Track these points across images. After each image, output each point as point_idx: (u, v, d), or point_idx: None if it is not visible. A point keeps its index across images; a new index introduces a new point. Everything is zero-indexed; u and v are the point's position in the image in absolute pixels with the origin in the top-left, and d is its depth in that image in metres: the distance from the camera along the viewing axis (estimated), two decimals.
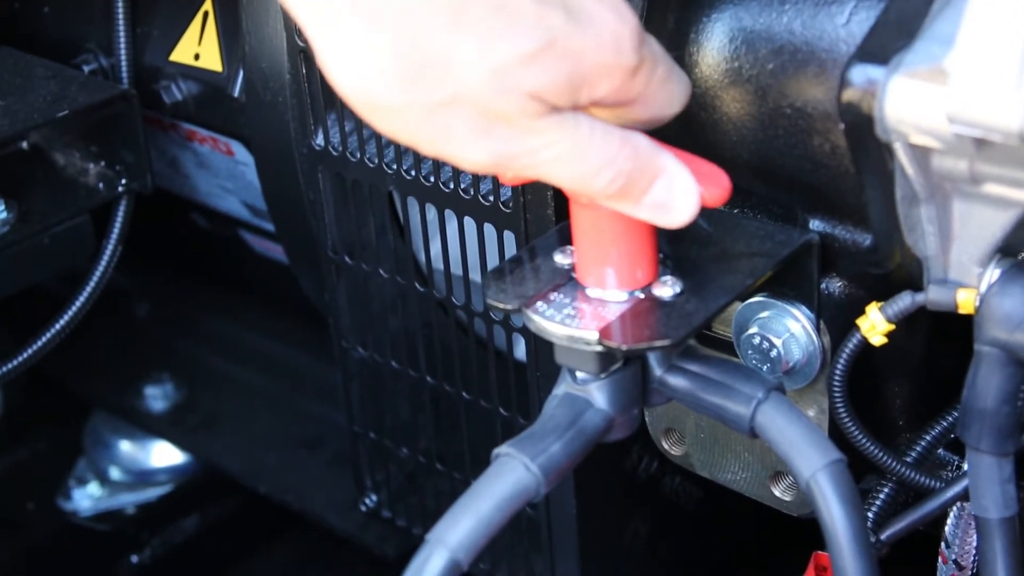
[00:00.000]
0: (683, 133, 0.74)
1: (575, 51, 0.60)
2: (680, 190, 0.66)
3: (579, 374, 0.72)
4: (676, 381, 0.74)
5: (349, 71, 0.60)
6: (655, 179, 0.65)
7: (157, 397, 1.43)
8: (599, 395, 0.72)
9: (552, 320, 0.71)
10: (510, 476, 0.68)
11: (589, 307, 0.71)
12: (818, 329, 0.79)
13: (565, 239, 0.75)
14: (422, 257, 0.99)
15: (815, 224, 0.76)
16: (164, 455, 1.46)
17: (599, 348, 0.70)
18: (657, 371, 0.74)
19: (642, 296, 0.71)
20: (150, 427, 1.44)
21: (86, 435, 1.48)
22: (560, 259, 0.74)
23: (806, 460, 0.69)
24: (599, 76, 0.61)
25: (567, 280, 0.73)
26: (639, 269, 0.71)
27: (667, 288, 0.72)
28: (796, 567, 0.86)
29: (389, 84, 0.59)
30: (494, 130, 0.61)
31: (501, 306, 0.73)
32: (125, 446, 1.46)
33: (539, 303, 0.72)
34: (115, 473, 1.46)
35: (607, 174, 0.63)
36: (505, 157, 0.62)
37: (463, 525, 0.67)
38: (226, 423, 1.41)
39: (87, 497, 1.44)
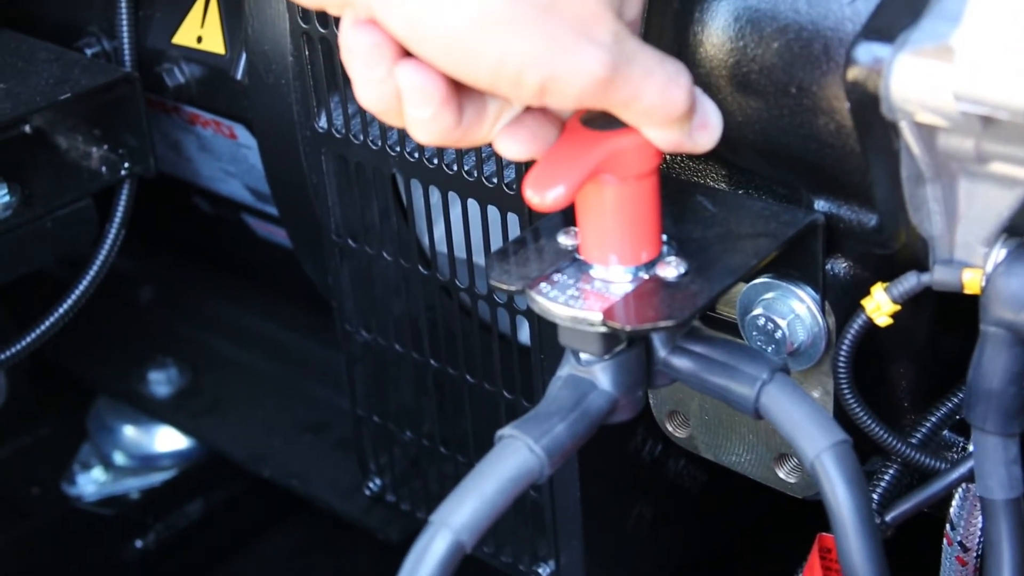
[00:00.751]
0: None
1: None
2: (711, 108, 0.69)
3: (583, 355, 0.72)
4: (680, 362, 0.73)
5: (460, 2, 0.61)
6: (696, 97, 0.68)
7: (161, 382, 1.43)
8: (603, 376, 0.72)
9: (556, 301, 0.70)
10: (514, 457, 0.68)
11: (593, 288, 0.71)
12: (823, 310, 0.78)
13: (569, 220, 0.74)
14: (425, 240, 0.99)
15: (820, 204, 0.76)
16: (168, 440, 1.46)
17: (603, 329, 0.70)
18: (661, 352, 0.74)
19: (646, 277, 0.71)
20: (154, 412, 1.44)
21: (90, 420, 1.48)
22: (564, 240, 0.74)
23: (811, 441, 0.68)
24: None
25: (571, 261, 0.73)
26: (644, 246, 0.71)
27: (671, 269, 0.71)
28: (800, 550, 0.86)
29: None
30: (595, 33, 0.63)
31: (505, 287, 0.72)
32: (129, 431, 1.46)
33: (543, 284, 0.72)
34: (119, 458, 1.46)
35: (682, 86, 0.66)
36: (614, 68, 0.63)
37: (467, 507, 0.67)
38: (230, 408, 1.41)
39: (91, 482, 1.45)
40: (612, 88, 0.64)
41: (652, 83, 0.65)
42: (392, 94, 0.66)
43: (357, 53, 0.66)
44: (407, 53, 0.65)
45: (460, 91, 0.66)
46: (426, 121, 0.67)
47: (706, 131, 0.69)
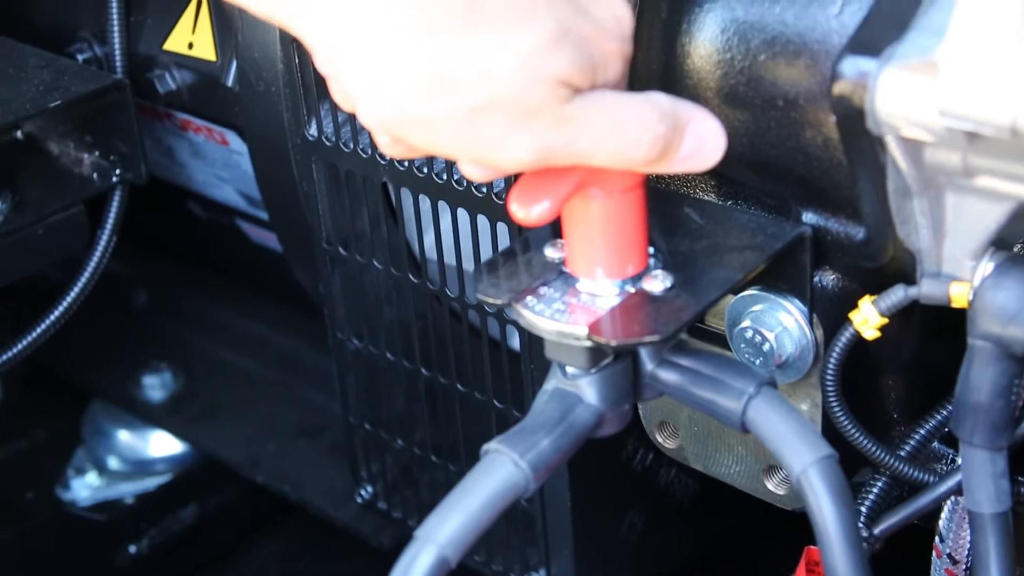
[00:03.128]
0: None
1: (587, 36, 0.62)
2: (709, 134, 0.67)
3: (569, 369, 0.72)
4: (667, 376, 0.73)
5: (382, 95, 0.61)
6: (684, 131, 0.66)
7: (155, 387, 1.43)
8: (589, 390, 0.72)
9: (542, 315, 0.70)
10: (499, 472, 0.68)
11: (579, 302, 0.71)
12: (811, 323, 0.78)
13: (558, 232, 0.74)
14: (416, 248, 0.98)
15: (808, 217, 0.76)
16: (162, 445, 1.46)
17: (588, 343, 0.69)
18: (648, 366, 0.73)
19: (632, 291, 0.71)
20: (148, 417, 1.44)
21: (84, 425, 1.48)
22: (551, 252, 0.74)
23: (797, 456, 0.68)
24: (609, 59, 0.64)
25: (558, 274, 0.73)
26: (630, 260, 0.70)
27: (658, 282, 0.71)
28: (789, 561, 0.86)
29: (425, 98, 0.61)
30: (532, 125, 0.62)
31: (491, 301, 0.72)
32: (123, 436, 1.46)
33: (529, 297, 0.71)
34: (113, 463, 1.46)
35: (646, 140, 0.64)
36: (547, 150, 0.63)
37: (452, 522, 0.67)
38: (224, 412, 1.41)
39: (86, 487, 1.44)
40: (550, 162, 0.64)
41: (603, 149, 0.64)
42: None
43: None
44: None
45: None
46: (387, 144, 0.68)
47: (695, 159, 0.67)
